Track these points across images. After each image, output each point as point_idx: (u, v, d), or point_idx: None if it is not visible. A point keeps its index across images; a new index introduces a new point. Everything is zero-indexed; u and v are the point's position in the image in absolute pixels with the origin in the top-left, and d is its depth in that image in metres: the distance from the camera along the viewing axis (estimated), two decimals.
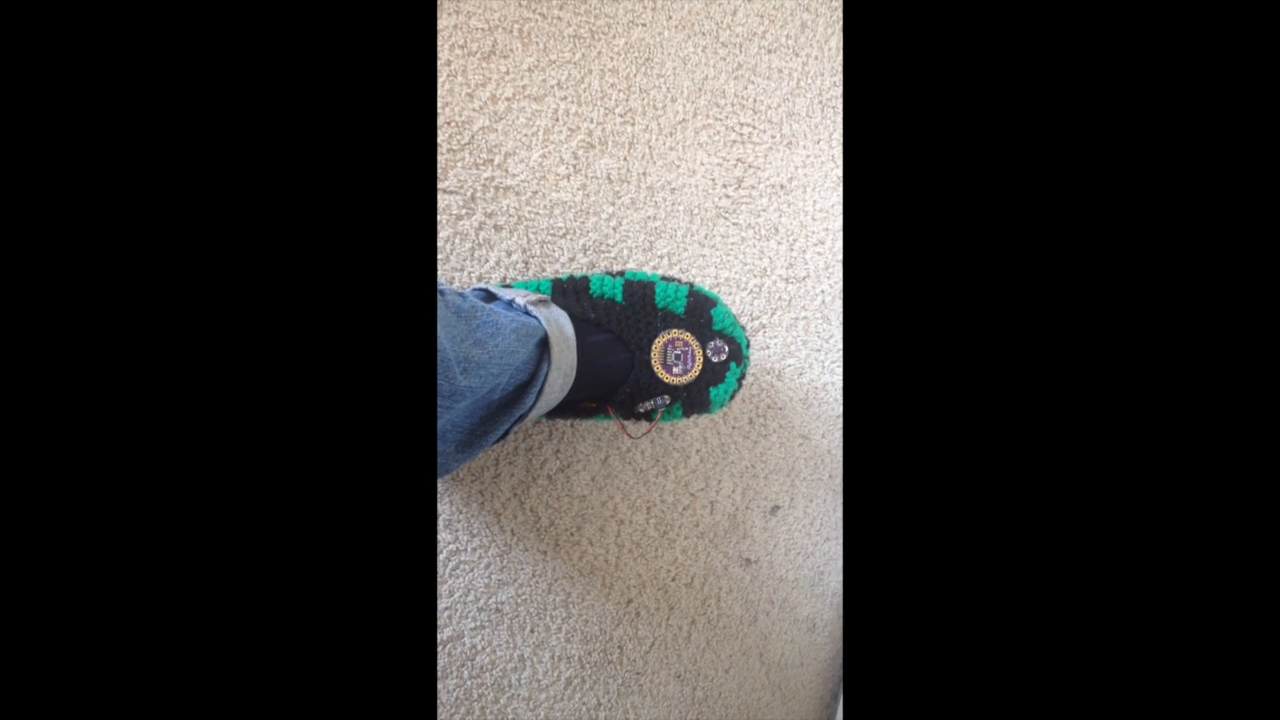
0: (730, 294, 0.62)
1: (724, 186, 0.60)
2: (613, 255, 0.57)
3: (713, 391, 0.50)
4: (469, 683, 0.60)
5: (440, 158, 0.51)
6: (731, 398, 0.51)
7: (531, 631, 0.61)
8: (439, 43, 0.50)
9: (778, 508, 0.68)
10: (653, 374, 0.48)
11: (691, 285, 0.50)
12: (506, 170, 0.53)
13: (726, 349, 0.49)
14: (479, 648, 0.60)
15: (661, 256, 0.59)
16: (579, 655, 0.63)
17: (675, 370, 0.48)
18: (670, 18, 0.57)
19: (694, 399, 0.50)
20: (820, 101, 0.62)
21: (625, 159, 0.57)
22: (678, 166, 0.58)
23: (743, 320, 0.62)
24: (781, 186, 0.62)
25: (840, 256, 0.65)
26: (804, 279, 0.64)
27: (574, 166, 0.55)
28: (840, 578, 0.73)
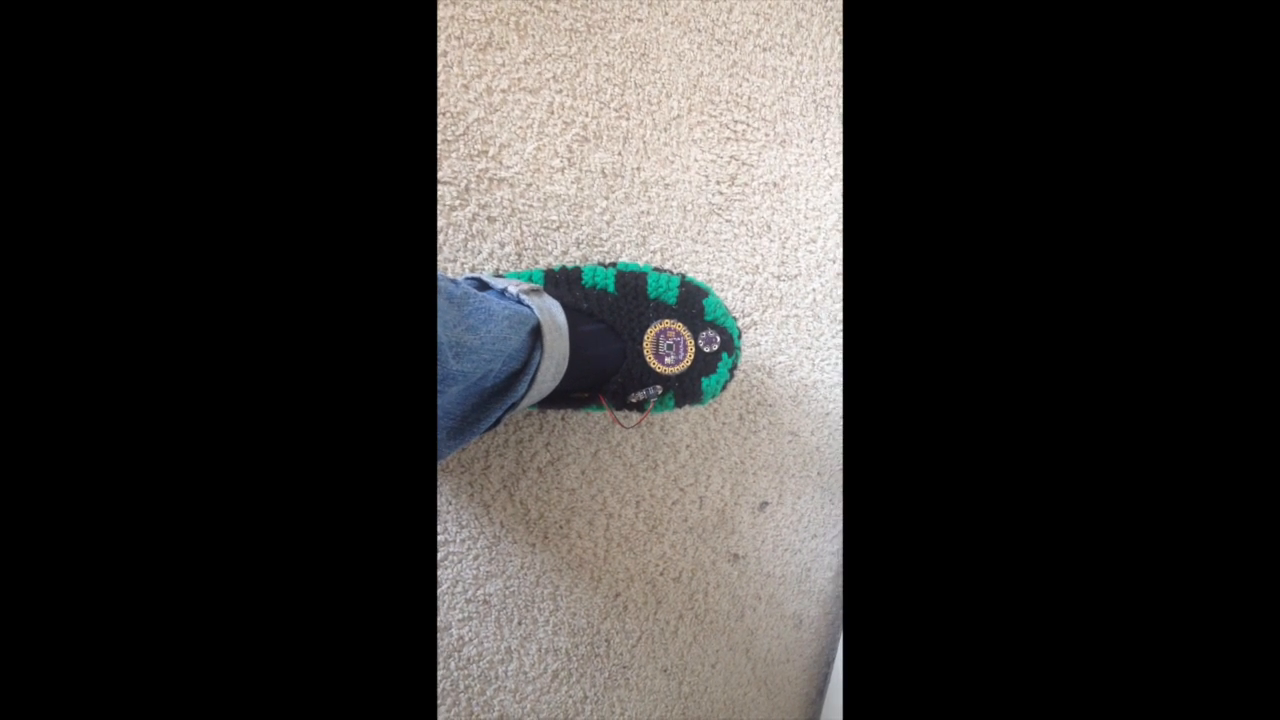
0: (722, 290, 0.62)
1: (717, 183, 0.61)
2: (606, 249, 0.58)
3: (705, 382, 0.50)
4: (456, 674, 0.60)
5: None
6: (723, 388, 0.52)
7: (519, 624, 0.61)
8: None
9: (766, 504, 0.68)
10: (645, 364, 0.48)
11: (683, 276, 0.50)
12: (501, 162, 0.54)
13: (718, 339, 0.50)
14: (466, 639, 0.60)
15: (654, 252, 0.59)
16: (566, 648, 0.63)
17: (667, 360, 0.49)
18: (667, 14, 0.57)
19: (686, 389, 0.50)
20: (814, 101, 0.63)
21: (619, 154, 0.57)
22: (672, 162, 0.59)
23: (733, 314, 0.63)
24: (774, 184, 0.63)
25: (831, 255, 0.66)
26: (795, 277, 0.65)
27: (568, 160, 0.56)
28: (827, 575, 0.73)
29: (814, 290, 0.66)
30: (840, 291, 0.67)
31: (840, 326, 0.67)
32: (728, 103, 0.60)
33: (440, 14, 0.50)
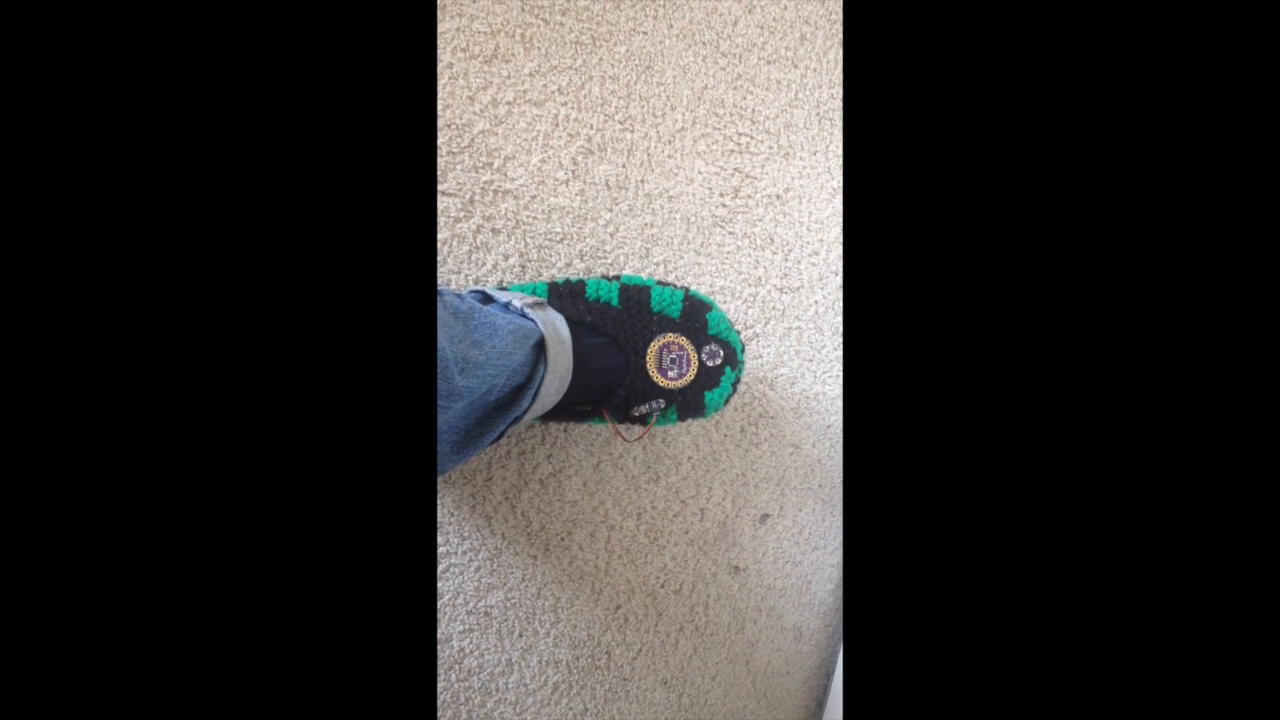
0: (725, 302, 0.62)
1: (721, 195, 0.61)
2: (609, 261, 0.58)
3: (707, 395, 0.50)
4: (456, 686, 0.60)
5: (440, 160, 0.51)
6: (726, 402, 0.51)
7: (520, 636, 0.61)
8: (441, 46, 0.51)
9: (767, 516, 0.68)
10: (648, 377, 0.48)
11: (687, 290, 0.50)
12: (505, 174, 0.54)
13: (721, 353, 0.50)
14: (467, 651, 0.60)
15: (658, 264, 0.59)
16: (567, 660, 0.63)
17: (670, 374, 0.49)
18: (671, 26, 0.57)
19: (689, 403, 0.50)
20: (818, 114, 0.63)
21: (624, 166, 0.57)
22: (676, 174, 0.59)
23: (737, 328, 0.63)
24: (778, 197, 0.63)
25: (834, 267, 0.66)
26: (798, 289, 0.65)
27: (573, 172, 0.56)
28: (827, 587, 0.73)
29: (816, 303, 0.66)
30: (843, 304, 0.67)
31: (843, 339, 0.67)
32: (732, 115, 0.60)
33: (446, 26, 0.51)
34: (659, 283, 0.51)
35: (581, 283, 0.50)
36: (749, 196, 0.62)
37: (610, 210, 0.57)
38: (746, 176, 0.61)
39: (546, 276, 0.56)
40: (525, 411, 0.43)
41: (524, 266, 0.55)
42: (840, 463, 0.70)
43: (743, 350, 0.52)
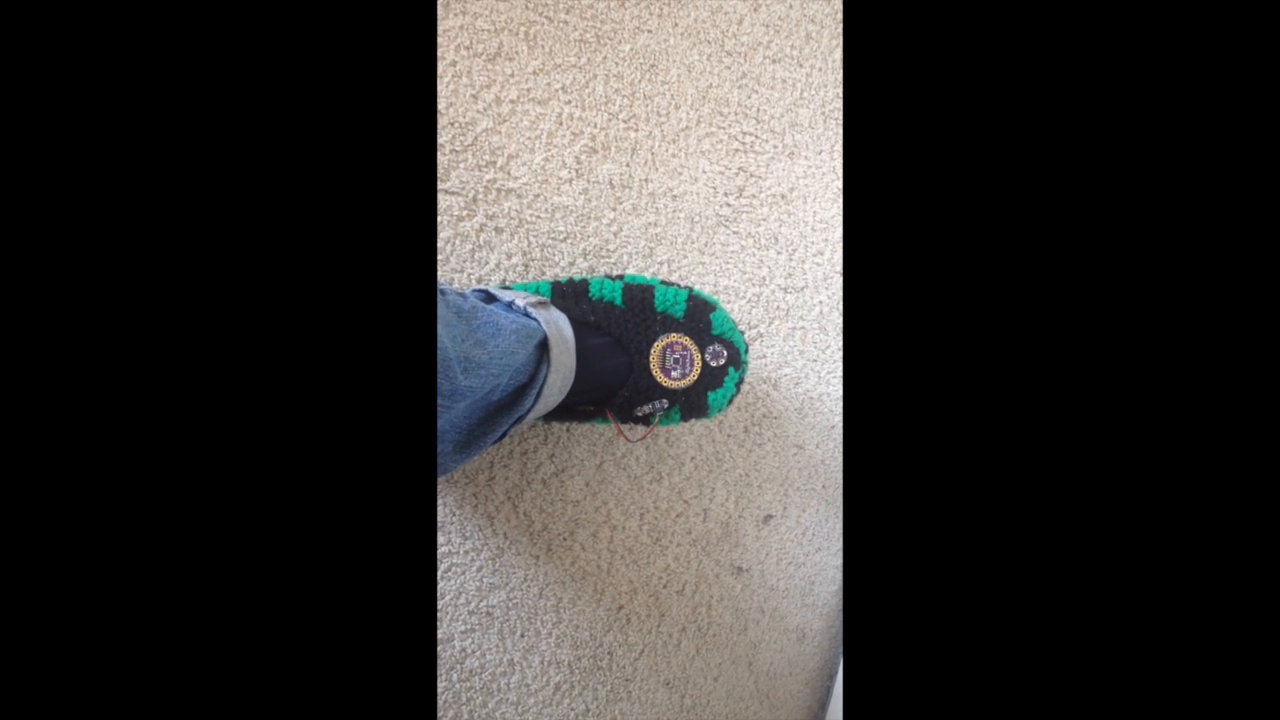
0: (729, 302, 0.62)
1: (725, 195, 0.60)
2: (613, 261, 0.57)
3: (711, 396, 0.50)
4: (457, 686, 0.60)
5: (443, 159, 0.51)
6: (729, 402, 0.51)
7: (522, 636, 0.61)
8: (445, 43, 0.50)
9: (770, 517, 0.68)
10: (651, 378, 0.48)
11: (691, 290, 0.50)
12: (509, 173, 0.54)
13: (725, 354, 0.49)
14: (469, 651, 0.59)
15: (661, 263, 0.59)
16: (569, 661, 0.63)
17: (674, 374, 0.48)
18: (676, 25, 0.57)
19: (692, 403, 0.50)
20: (823, 113, 0.63)
21: (628, 165, 0.57)
22: (680, 173, 0.59)
23: (740, 328, 0.63)
24: (782, 196, 0.62)
25: (839, 268, 0.66)
26: (802, 289, 0.65)
27: (576, 171, 0.56)
28: (830, 588, 0.73)
29: (821, 303, 0.65)
30: None
31: None
32: (736, 114, 0.60)
33: (449, 24, 0.50)
34: (663, 282, 0.50)
35: (585, 282, 0.50)
36: (753, 196, 0.61)
37: (614, 209, 0.57)
38: (751, 176, 0.61)
39: (550, 275, 0.55)
40: (528, 411, 0.43)
41: (527, 265, 0.55)
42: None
43: (746, 350, 0.51)
